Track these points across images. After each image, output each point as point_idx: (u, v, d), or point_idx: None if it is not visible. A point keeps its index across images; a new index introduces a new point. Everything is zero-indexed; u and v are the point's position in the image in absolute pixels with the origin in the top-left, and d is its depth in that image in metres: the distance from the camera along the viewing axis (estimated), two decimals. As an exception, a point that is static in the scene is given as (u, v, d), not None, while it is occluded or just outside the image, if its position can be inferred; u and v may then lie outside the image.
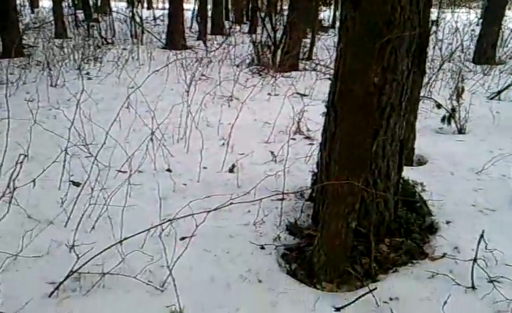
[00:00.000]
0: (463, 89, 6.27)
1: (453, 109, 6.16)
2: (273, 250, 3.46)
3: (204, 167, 4.76)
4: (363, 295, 2.89)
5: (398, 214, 3.59)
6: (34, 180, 3.21)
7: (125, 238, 2.99)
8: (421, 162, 5.07)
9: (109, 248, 3.00)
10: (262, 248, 3.47)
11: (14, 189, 2.88)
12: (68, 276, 2.90)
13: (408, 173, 4.03)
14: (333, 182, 2.94)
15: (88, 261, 2.92)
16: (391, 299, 2.95)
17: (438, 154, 5.24)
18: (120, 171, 4.39)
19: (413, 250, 3.39)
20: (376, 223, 3.36)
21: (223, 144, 5.34)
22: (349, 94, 2.74)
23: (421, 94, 4.86)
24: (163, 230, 3.27)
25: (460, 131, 6.15)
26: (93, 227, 3.58)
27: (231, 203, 3.03)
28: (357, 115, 2.76)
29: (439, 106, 6.25)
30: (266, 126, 6.20)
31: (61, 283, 2.90)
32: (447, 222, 3.71)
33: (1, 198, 2.88)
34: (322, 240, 3.16)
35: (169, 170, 4.77)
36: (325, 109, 3.69)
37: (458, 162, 5.05)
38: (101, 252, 2.96)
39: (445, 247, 3.40)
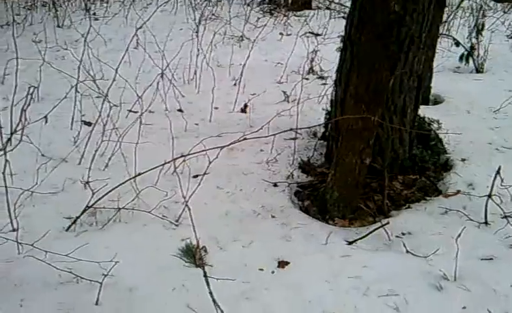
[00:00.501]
0: (483, 26, 6.11)
1: (472, 47, 6.03)
2: (286, 187, 3.52)
3: (216, 108, 4.77)
4: (375, 230, 2.95)
5: (413, 151, 3.61)
6: (46, 117, 3.25)
7: (139, 174, 3.06)
8: (437, 101, 5.03)
9: (124, 183, 3.07)
10: (275, 185, 3.53)
11: (25, 120, 2.91)
12: (84, 211, 2.99)
13: (424, 111, 4.01)
14: (348, 116, 2.95)
15: (104, 196, 3.00)
16: (403, 234, 3.01)
17: (455, 93, 5.18)
18: (131, 111, 4.41)
19: (426, 187, 3.44)
20: (391, 160, 3.39)
21: (235, 84, 5.32)
22: (368, 23, 2.70)
23: (440, 32, 4.75)
24: (177, 167, 3.32)
25: (478, 70, 6.05)
26: (106, 165, 3.65)
27: (245, 139, 3.05)
28: (376, 47, 2.72)
29: (457, 44, 6.12)
30: (278, 66, 6.14)
31: (77, 218, 2.99)
32: (463, 160, 3.73)
33: (14, 133, 2.92)
34: (336, 177, 3.20)
35: (180, 110, 4.79)
36: (340, 45, 3.64)
37: (475, 100, 5.00)
38: (116, 187, 3.03)
39: (460, 184, 3.43)
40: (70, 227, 2.97)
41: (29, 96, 2.85)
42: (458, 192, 3.34)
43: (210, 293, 2.07)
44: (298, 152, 3.89)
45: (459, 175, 3.53)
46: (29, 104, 2.90)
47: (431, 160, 3.61)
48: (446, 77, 5.63)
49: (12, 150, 2.89)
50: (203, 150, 2.91)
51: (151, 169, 3.06)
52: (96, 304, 2.37)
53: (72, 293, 2.44)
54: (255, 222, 3.14)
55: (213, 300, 2.07)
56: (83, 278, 2.44)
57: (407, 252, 2.79)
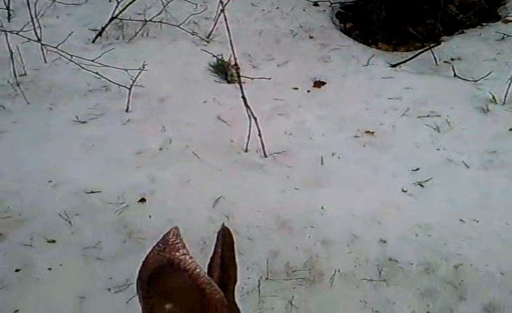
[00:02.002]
0: None
1: None
2: (327, 7, 3.43)
3: None
4: (423, 51, 2.91)
5: (475, -30, 3.39)
6: None
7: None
8: None
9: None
10: (316, 4, 3.44)
11: None
12: (110, 21, 3.02)
13: None
14: None
15: (130, 3, 2.99)
16: (452, 59, 2.96)
17: None
18: None
19: (485, 12, 3.28)
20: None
21: None
22: None
23: None
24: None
25: None
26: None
27: None
28: None
29: None
30: None
31: (103, 29, 3.03)
32: (530, -18, 3.49)
33: None
34: (385, -6, 3.09)
35: None
36: None
37: None
38: (142, -6, 3.02)
39: (524, 9, 3.26)
40: (96, 38, 3.03)
41: None
42: (521, 17, 3.19)
43: (243, 96, 2.14)
44: (343, -31, 3.71)
45: (524, -1, 3.34)
46: None
47: (495, -19, 3.40)
48: None
49: None
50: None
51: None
52: (127, 111, 2.49)
53: (102, 100, 2.57)
54: (291, 42, 3.13)
55: (246, 104, 2.14)
56: (111, 81, 2.53)
57: (455, 76, 2.76)
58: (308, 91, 2.74)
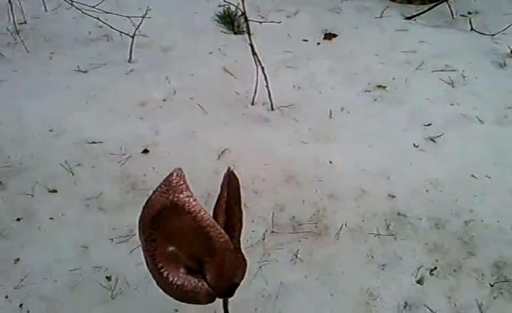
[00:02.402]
0: None
1: None
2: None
3: None
4: (438, 4, 2.85)
5: None
6: None
7: None
8: None
9: None
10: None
11: None
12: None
13: None
14: None
15: None
16: (469, 13, 2.91)
17: None
18: None
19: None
20: None
21: None
22: None
23: None
24: None
25: None
26: None
27: None
28: None
29: None
30: None
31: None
32: None
33: None
34: None
35: None
36: None
37: None
38: None
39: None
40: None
41: None
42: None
43: (251, 44, 2.10)
44: None
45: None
46: None
47: None
48: None
49: None
50: None
51: None
52: (129, 61, 2.46)
53: (104, 49, 2.54)
54: (300, -7, 3.07)
55: (253, 52, 2.11)
56: (112, 28, 2.49)
57: (472, 29, 2.71)
58: (318, 43, 2.69)
